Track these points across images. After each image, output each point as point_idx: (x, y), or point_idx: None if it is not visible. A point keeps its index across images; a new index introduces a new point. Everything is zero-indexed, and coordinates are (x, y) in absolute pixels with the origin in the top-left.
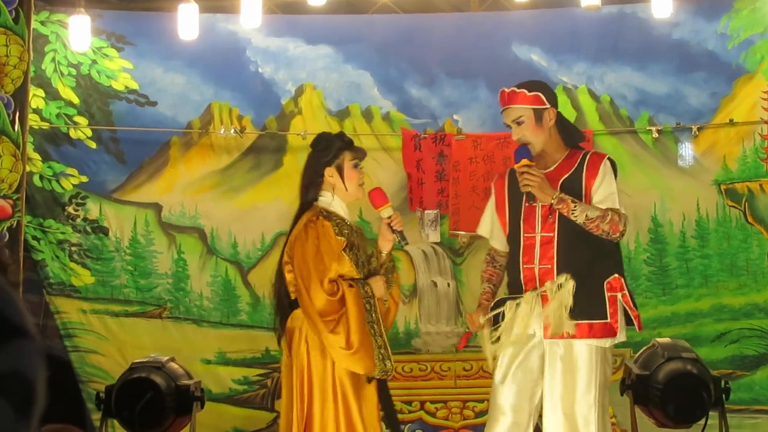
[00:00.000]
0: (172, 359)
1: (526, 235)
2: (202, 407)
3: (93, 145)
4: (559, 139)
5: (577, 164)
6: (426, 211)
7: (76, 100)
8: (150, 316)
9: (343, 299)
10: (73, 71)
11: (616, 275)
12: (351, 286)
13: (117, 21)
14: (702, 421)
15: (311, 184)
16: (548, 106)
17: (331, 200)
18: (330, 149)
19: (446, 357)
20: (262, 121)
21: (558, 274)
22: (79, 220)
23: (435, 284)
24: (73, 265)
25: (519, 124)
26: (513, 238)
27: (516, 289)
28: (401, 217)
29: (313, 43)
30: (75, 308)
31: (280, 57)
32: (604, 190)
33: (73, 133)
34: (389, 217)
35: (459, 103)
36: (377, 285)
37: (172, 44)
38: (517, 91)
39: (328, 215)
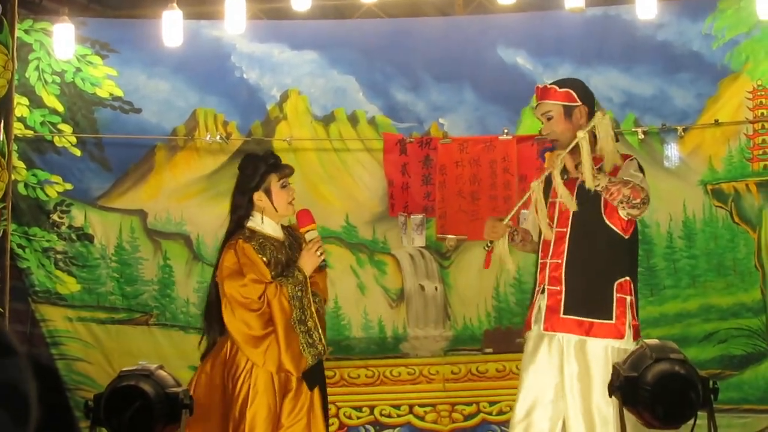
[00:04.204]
0: (161, 367)
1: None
2: (191, 414)
3: (77, 152)
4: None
5: (601, 164)
6: (412, 216)
7: (60, 107)
8: (136, 323)
9: (269, 314)
10: (57, 79)
11: (628, 278)
12: (277, 286)
13: (101, 28)
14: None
15: (239, 207)
16: (579, 103)
17: (260, 222)
18: (256, 174)
19: (434, 360)
20: (248, 127)
21: (566, 271)
22: (64, 228)
23: (422, 288)
24: (58, 272)
25: (548, 119)
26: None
27: (534, 289)
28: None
29: (298, 49)
30: (61, 316)
31: (265, 62)
32: (624, 173)
33: (57, 141)
34: (311, 241)
35: (445, 107)
36: (306, 262)
37: (157, 51)
38: (549, 86)
39: (251, 236)
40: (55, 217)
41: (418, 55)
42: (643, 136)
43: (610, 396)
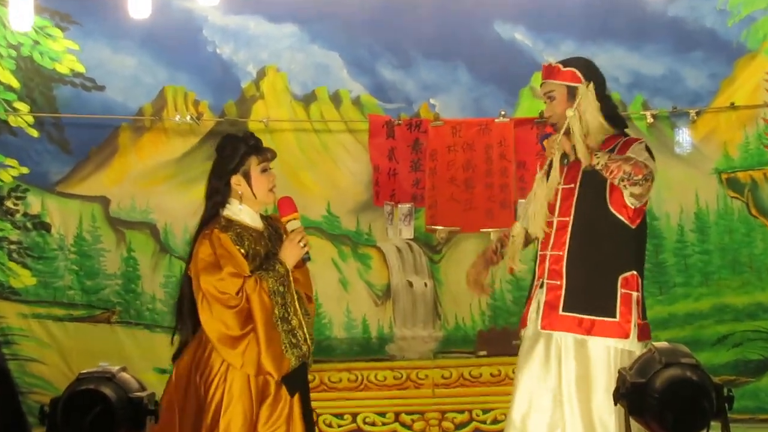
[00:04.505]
0: (124, 369)
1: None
2: (156, 421)
3: (35, 133)
4: (599, 117)
5: (609, 150)
6: (399, 205)
7: (16, 84)
8: (97, 320)
9: (248, 311)
10: (13, 53)
11: (634, 272)
12: (257, 281)
13: None
14: None
15: (216, 192)
16: (584, 82)
17: (238, 209)
18: (235, 155)
19: (423, 364)
20: (221, 107)
21: (567, 264)
22: (18, 216)
23: (410, 284)
24: (12, 264)
25: (550, 99)
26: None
27: (532, 284)
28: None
29: (277, 22)
30: (14, 312)
31: (240, 36)
32: (631, 153)
33: (12, 121)
34: (294, 231)
35: (436, 87)
36: (288, 254)
37: (122, 23)
38: (554, 65)
39: (228, 225)
40: (9, 203)
41: (408, 30)
42: (652, 120)
43: (616, 404)
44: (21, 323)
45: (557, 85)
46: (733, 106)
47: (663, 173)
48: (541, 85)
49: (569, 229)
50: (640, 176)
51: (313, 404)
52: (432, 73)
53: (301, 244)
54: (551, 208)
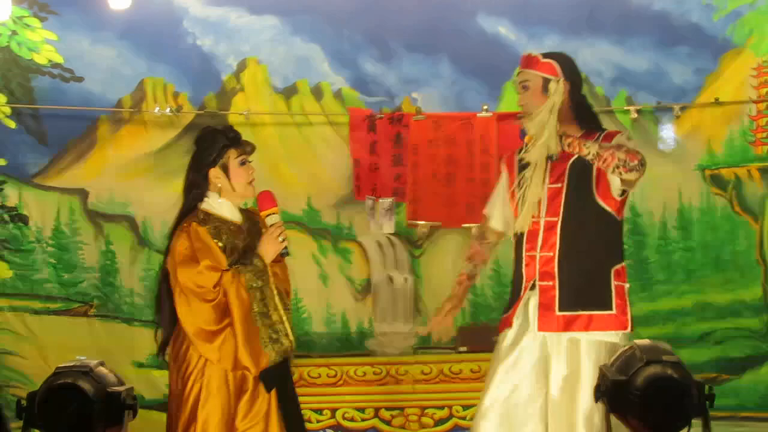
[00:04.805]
0: (102, 363)
1: (531, 220)
2: (134, 416)
3: (12, 124)
4: (571, 117)
5: (598, 135)
6: (381, 200)
7: None
8: (75, 313)
9: (226, 305)
10: None
11: (623, 263)
12: (235, 275)
13: None
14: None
15: (194, 185)
16: (560, 78)
17: (216, 203)
18: (214, 148)
19: (403, 359)
20: (201, 99)
21: (559, 264)
22: None
23: (391, 279)
24: None
25: (524, 88)
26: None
27: (518, 285)
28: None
29: (258, 13)
30: None
31: (221, 28)
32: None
33: None
34: (273, 225)
35: (419, 80)
36: (266, 248)
37: (101, 14)
38: (533, 55)
39: (206, 218)
40: None
41: (390, 23)
42: (636, 116)
43: (597, 401)
44: None
45: (534, 75)
46: (717, 102)
47: (646, 169)
48: (517, 74)
49: (558, 228)
50: (636, 162)
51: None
52: (414, 67)
53: (280, 238)
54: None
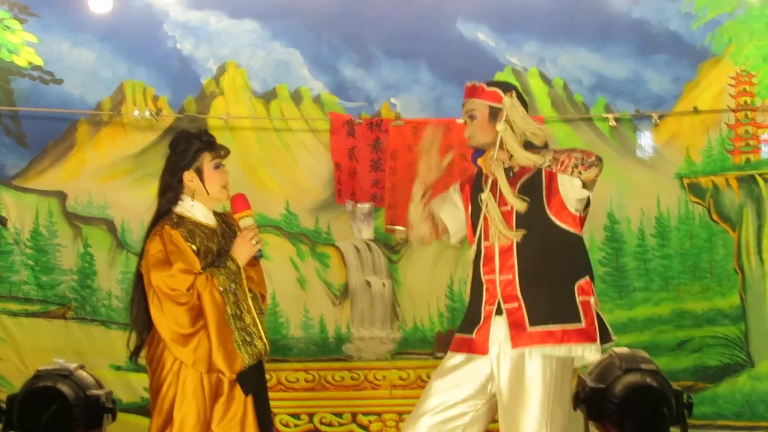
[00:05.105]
0: (81, 366)
1: (485, 243)
2: (113, 419)
3: None
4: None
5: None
6: (359, 204)
7: None
8: (53, 316)
9: (199, 308)
10: None
11: (587, 277)
12: (208, 277)
13: None
14: None
15: (168, 189)
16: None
17: (190, 206)
18: (188, 151)
19: (381, 365)
20: (180, 102)
21: (521, 285)
22: None
23: (369, 284)
24: None
25: (471, 118)
26: (474, 247)
27: (476, 302)
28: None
29: (238, 17)
30: None
31: (201, 32)
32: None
33: None
34: (246, 228)
35: (398, 86)
36: (240, 251)
37: (82, 16)
38: (477, 85)
39: (179, 221)
40: None
41: (370, 28)
42: (614, 123)
43: (575, 409)
44: None
45: (480, 104)
46: (696, 111)
47: (625, 177)
48: (463, 104)
49: (515, 250)
50: (593, 158)
51: (270, 404)
52: (393, 72)
53: (254, 241)
54: (486, 231)
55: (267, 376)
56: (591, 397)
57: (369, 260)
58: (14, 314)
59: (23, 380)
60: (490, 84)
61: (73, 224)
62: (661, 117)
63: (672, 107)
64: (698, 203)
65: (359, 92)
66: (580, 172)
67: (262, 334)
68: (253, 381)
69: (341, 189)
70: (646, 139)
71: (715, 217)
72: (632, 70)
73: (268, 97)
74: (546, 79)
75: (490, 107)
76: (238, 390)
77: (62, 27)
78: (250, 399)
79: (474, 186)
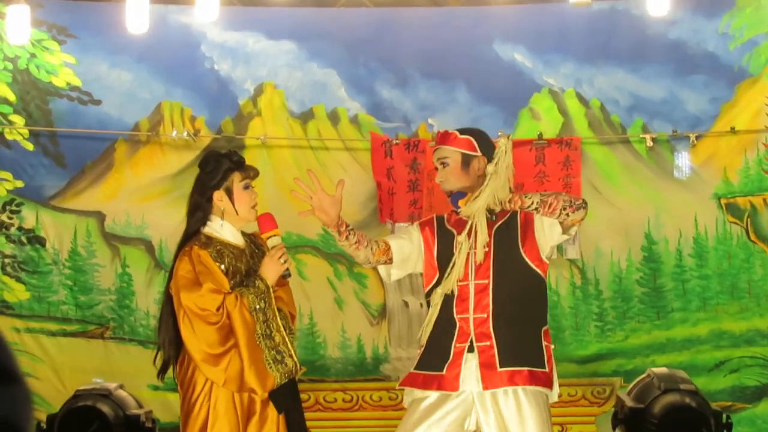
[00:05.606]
0: (121, 386)
1: (460, 283)
2: None
3: (30, 146)
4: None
5: (511, 211)
6: (397, 224)
7: (12, 97)
8: (91, 336)
9: (230, 327)
10: (10, 65)
11: (546, 325)
12: (237, 297)
13: (59, 11)
14: None
15: (198, 208)
16: (479, 154)
17: (219, 226)
18: (218, 171)
19: None
20: (218, 123)
21: (494, 325)
22: (13, 230)
23: (406, 304)
24: (6, 278)
25: (443, 165)
26: (443, 286)
27: (445, 340)
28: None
29: (275, 38)
30: (8, 326)
31: (238, 53)
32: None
33: (8, 134)
34: (274, 247)
35: (434, 106)
36: (268, 270)
37: (120, 37)
38: (450, 132)
39: (208, 242)
40: (3, 217)
41: (406, 49)
42: (651, 144)
43: (614, 429)
44: (14, 337)
45: (452, 151)
46: (733, 131)
47: (662, 198)
48: (435, 150)
49: (490, 290)
50: (580, 200)
51: (308, 424)
52: (430, 93)
53: (282, 260)
54: (466, 269)
55: (305, 396)
56: (630, 417)
57: (406, 281)
58: (53, 334)
59: (61, 400)
60: (463, 132)
61: (111, 244)
62: (698, 137)
63: (709, 128)
64: (736, 223)
65: (396, 113)
66: (567, 214)
67: (293, 352)
68: (286, 399)
69: (382, 208)
70: (683, 160)
71: (753, 237)
72: (669, 91)
73: (306, 117)
74: (583, 100)
75: (463, 154)
76: (271, 409)
77: (100, 48)
78: (282, 418)
79: (438, 227)
